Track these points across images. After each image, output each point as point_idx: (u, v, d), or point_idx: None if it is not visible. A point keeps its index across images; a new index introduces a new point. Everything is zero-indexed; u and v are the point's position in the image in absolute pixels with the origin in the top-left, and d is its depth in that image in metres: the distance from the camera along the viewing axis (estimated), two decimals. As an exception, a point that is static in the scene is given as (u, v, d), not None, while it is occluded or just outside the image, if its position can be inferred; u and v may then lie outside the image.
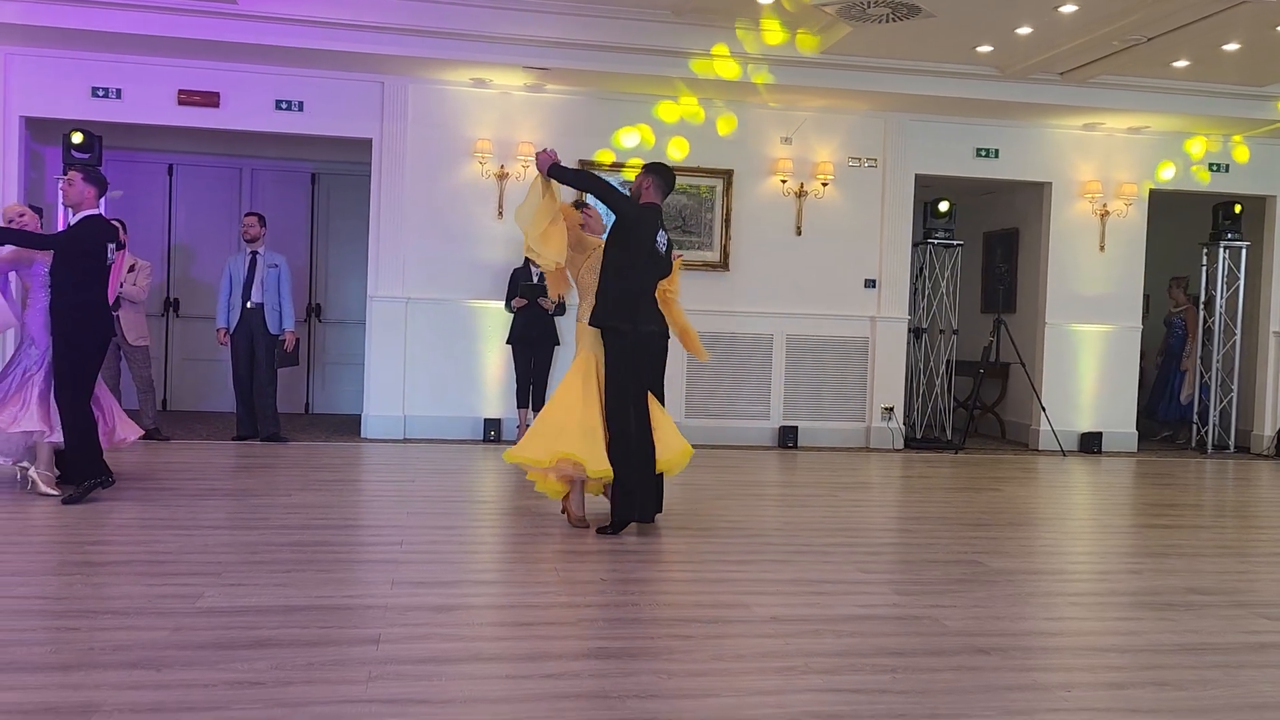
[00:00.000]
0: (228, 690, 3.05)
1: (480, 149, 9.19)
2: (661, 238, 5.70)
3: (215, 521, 5.49)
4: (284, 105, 9.01)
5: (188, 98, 8.89)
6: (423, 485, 7.02)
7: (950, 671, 3.44)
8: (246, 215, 8.95)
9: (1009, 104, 9.49)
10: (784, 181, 9.75)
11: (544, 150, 5.72)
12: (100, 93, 8.74)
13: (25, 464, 6.09)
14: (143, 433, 6.85)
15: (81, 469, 5.90)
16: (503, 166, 9.29)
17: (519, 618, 3.94)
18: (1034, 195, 10.59)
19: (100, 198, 6.12)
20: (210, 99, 8.93)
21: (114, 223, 6.70)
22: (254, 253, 8.74)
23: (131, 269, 8.48)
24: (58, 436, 5.94)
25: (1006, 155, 10.19)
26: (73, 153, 8.55)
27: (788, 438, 9.69)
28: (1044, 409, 10.15)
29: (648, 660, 3.43)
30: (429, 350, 9.26)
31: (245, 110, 8.99)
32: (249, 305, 8.66)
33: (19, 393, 5.99)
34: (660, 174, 5.74)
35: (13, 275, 6.29)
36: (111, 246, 6.08)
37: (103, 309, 6.08)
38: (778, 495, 7.45)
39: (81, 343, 5.92)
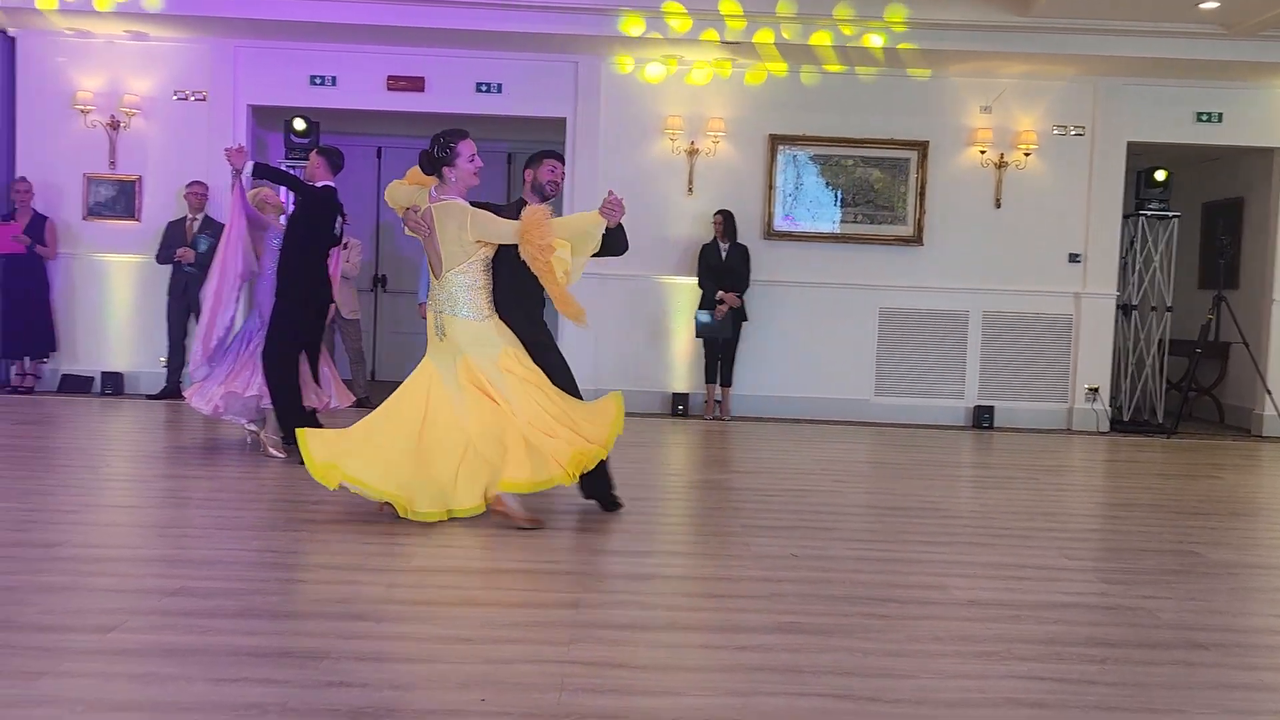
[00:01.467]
0: (439, 645, 3.22)
1: (671, 126, 9.26)
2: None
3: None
4: (484, 88, 9.33)
5: (396, 83, 9.34)
6: (613, 457, 7.15)
7: (1165, 666, 3.27)
8: (445, 195, 9.33)
9: (1235, 64, 8.81)
10: (983, 152, 9.38)
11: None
12: (318, 80, 9.28)
13: (254, 427, 6.59)
14: (355, 399, 7.29)
15: (287, 428, 6.29)
16: (693, 143, 9.33)
17: (712, 589, 3.99)
18: (1261, 162, 9.81)
19: (334, 172, 6.46)
20: (416, 84, 9.34)
21: None
22: (453, 230, 9.10)
23: (345, 246, 8.97)
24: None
25: (1231, 119, 9.46)
26: (293, 138, 9.13)
27: (983, 418, 9.37)
28: (1269, 392, 9.42)
29: (842, 637, 3.41)
30: (619, 326, 9.43)
31: (448, 93, 9.36)
32: (450, 281, 9.03)
33: (252, 357, 6.48)
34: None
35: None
36: (340, 220, 6.45)
37: (323, 277, 6.41)
38: (973, 477, 7.23)
39: (300, 307, 6.29)
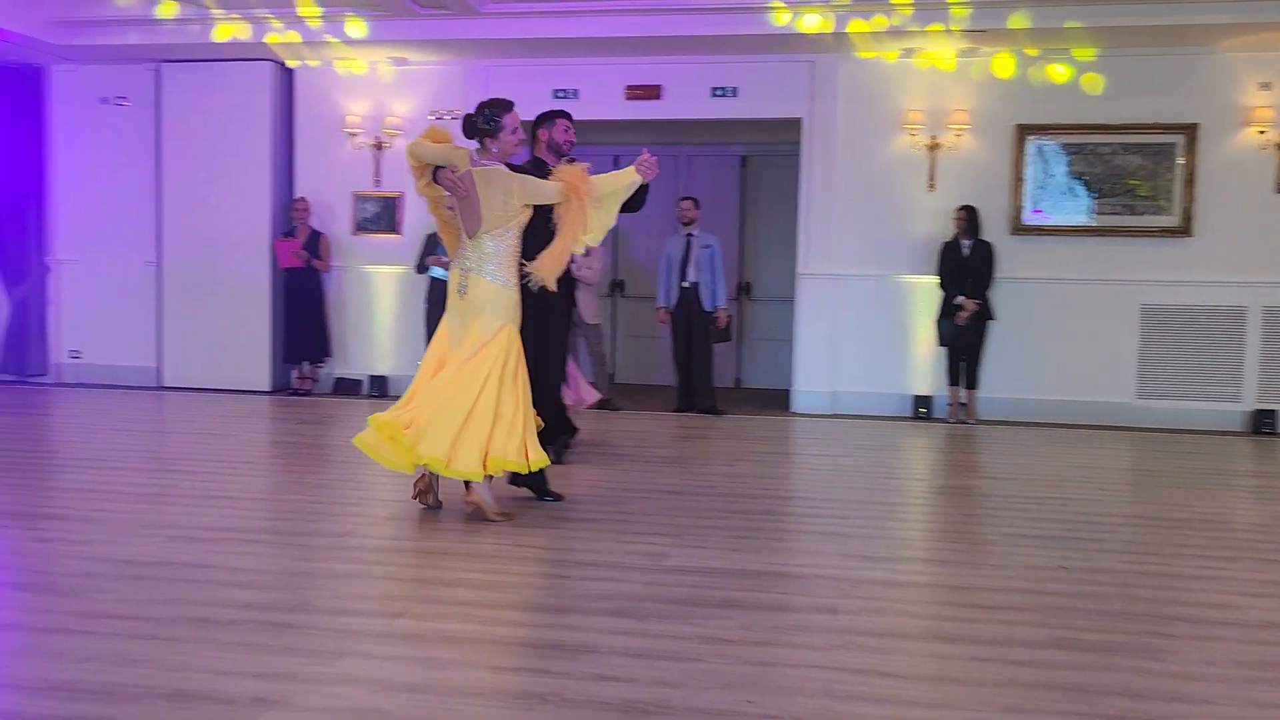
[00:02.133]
0: (702, 644, 3.26)
1: (911, 121, 9.01)
2: None
3: (668, 486, 5.88)
4: (719, 92, 9.39)
5: (633, 92, 9.55)
6: (856, 460, 7.05)
7: None
8: (682, 200, 9.47)
9: None
10: (1261, 133, 8.59)
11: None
12: (560, 94, 9.62)
13: None
14: (599, 398, 7.47)
15: (551, 428, 6.51)
16: (934, 137, 9.03)
17: (975, 599, 3.84)
18: None
19: None
20: (653, 92, 9.52)
21: None
22: (689, 235, 9.23)
23: (586, 253, 9.27)
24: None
25: None
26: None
27: (1264, 423, 8.57)
28: None
29: (1128, 656, 3.20)
30: (858, 326, 9.26)
31: (684, 100, 9.49)
32: (685, 285, 9.16)
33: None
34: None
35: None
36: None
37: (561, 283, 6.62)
38: (1256, 487, 6.62)
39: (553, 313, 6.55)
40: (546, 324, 5.41)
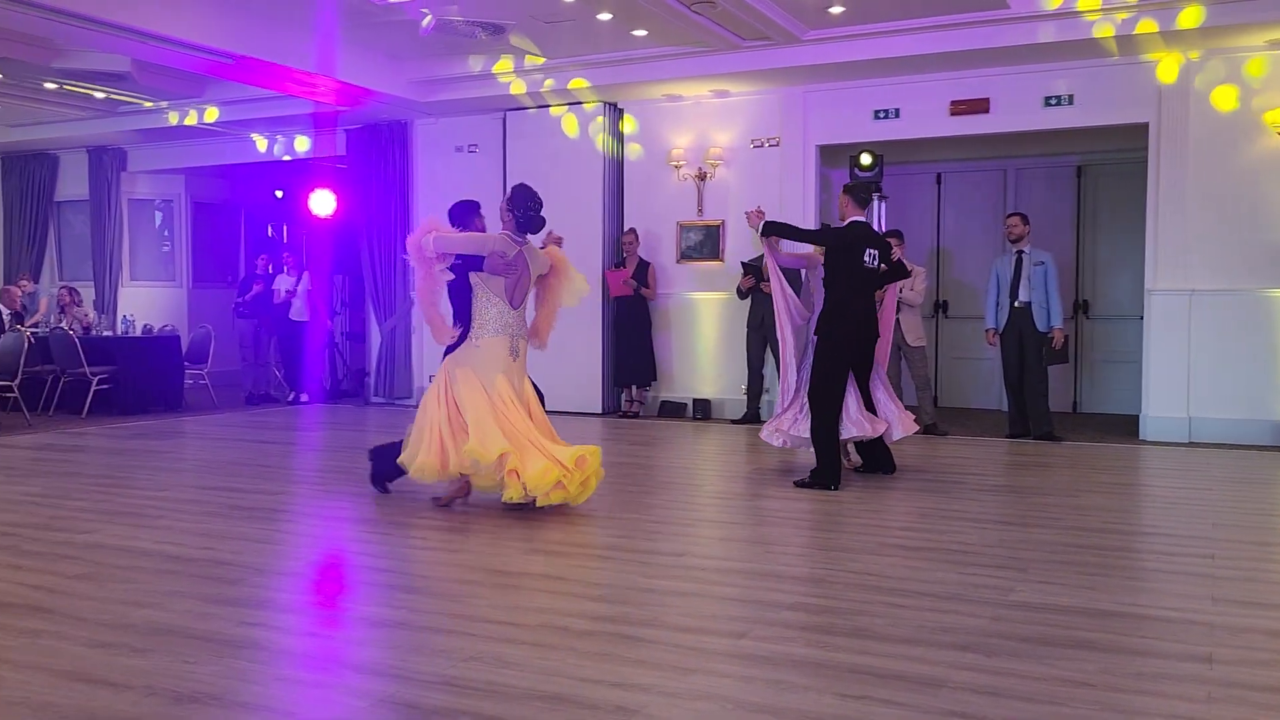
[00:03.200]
0: (1058, 686, 3.11)
1: (1276, 122, 8.13)
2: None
3: (1006, 517, 5.64)
4: (1053, 101, 8.93)
5: (958, 107, 9.29)
6: (1221, 495, 6.43)
7: None
8: (1009, 216, 9.06)
9: None
10: None
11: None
12: (881, 114, 9.54)
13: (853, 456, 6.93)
14: (918, 428, 7.20)
15: (820, 467, 6.40)
16: (1308, 135, 8.11)
17: (1382, 658, 3.39)
18: None
19: (861, 207, 6.56)
20: (980, 105, 9.21)
21: (890, 235, 7.67)
22: (1019, 252, 8.81)
23: (909, 274, 9.10)
24: (849, 432, 6.56)
25: None
26: (858, 172, 9.47)
27: None
28: None
29: None
30: (1216, 346, 8.45)
31: (1014, 111, 9.11)
32: (1016, 304, 8.74)
33: (799, 397, 6.72)
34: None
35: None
36: (869, 252, 6.47)
37: (861, 312, 6.48)
38: None
39: (838, 344, 6.42)
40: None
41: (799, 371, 6.80)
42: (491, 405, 5.55)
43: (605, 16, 8.50)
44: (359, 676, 3.18)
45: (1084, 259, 10.70)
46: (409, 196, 11.58)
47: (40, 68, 9.96)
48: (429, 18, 8.52)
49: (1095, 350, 10.69)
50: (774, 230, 6.70)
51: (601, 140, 10.55)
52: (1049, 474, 7.10)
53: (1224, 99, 8.39)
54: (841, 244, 6.53)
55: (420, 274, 5.76)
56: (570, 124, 10.65)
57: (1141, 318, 8.94)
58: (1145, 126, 8.69)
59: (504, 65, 10.02)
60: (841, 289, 6.47)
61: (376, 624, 3.72)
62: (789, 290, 6.89)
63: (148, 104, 11.69)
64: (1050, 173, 10.83)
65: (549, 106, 10.66)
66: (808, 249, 7.24)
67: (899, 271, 6.91)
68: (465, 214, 6.06)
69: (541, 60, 9.88)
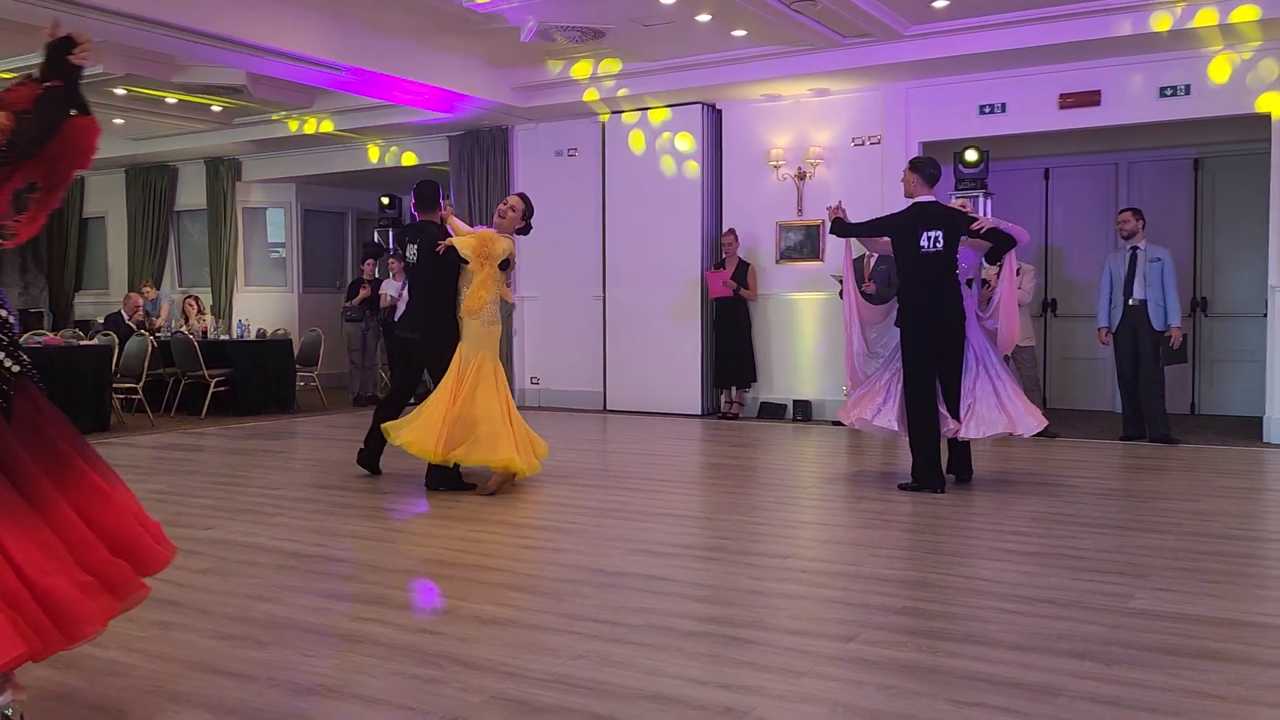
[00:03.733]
0: (1185, 698, 3.00)
1: None
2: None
3: (1123, 522, 5.46)
4: (1168, 92, 8.62)
5: (1067, 100, 9.03)
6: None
7: None
8: (1121, 212, 8.76)
9: None
10: None
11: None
12: (986, 109, 9.33)
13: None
14: (1045, 424, 6.86)
15: (918, 468, 6.20)
16: None
17: None
18: None
19: (929, 185, 6.25)
20: (1090, 98, 8.94)
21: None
22: (1133, 248, 8.52)
23: (1017, 272, 8.86)
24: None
25: None
26: (963, 169, 9.28)
27: None
28: None
29: None
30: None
31: (1126, 104, 8.82)
32: (1131, 303, 8.46)
33: (888, 385, 6.41)
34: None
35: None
36: (933, 234, 6.12)
37: (921, 300, 6.15)
38: None
39: (906, 336, 6.19)
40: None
41: (887, 365, 6.53)
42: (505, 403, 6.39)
43: (704, 18, 8.50)
44: (470, 673, 3.24)
45: (1202, 255, 10.29)
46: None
47: (162, 83, 10.40)
48: (530, 24, 8.63)
49: (1214, 349, 10.28)
50: (842, 231, 6.58)
51: (699, 141, 10.55)
52: (1166, 478, 6.86)
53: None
54: (895, 229, 6.32)
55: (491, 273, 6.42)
56: (668, 126, 10.67)
57: (1264, 315, 8.56)
58: (1267, 117, 8.32)
59: (603, 69, 10.10)
60: (903, 276, 6.32)
61: (485, 621, 3.78)
62: (855, 289, 6.87)
63: (276, 116, 12.07)
64: (1165, 166, 10.45)
65: (647, 109, 10.70)
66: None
67: (996, 240, 6.28)
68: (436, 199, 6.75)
69: (639, 63, 9.93)
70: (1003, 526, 5.40)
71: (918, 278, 6.21)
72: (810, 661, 3.32)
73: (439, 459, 6.16)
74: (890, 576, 4.39)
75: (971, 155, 9.17)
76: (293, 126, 12.20)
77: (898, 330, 6.39)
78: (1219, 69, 8.42)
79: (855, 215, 9.67)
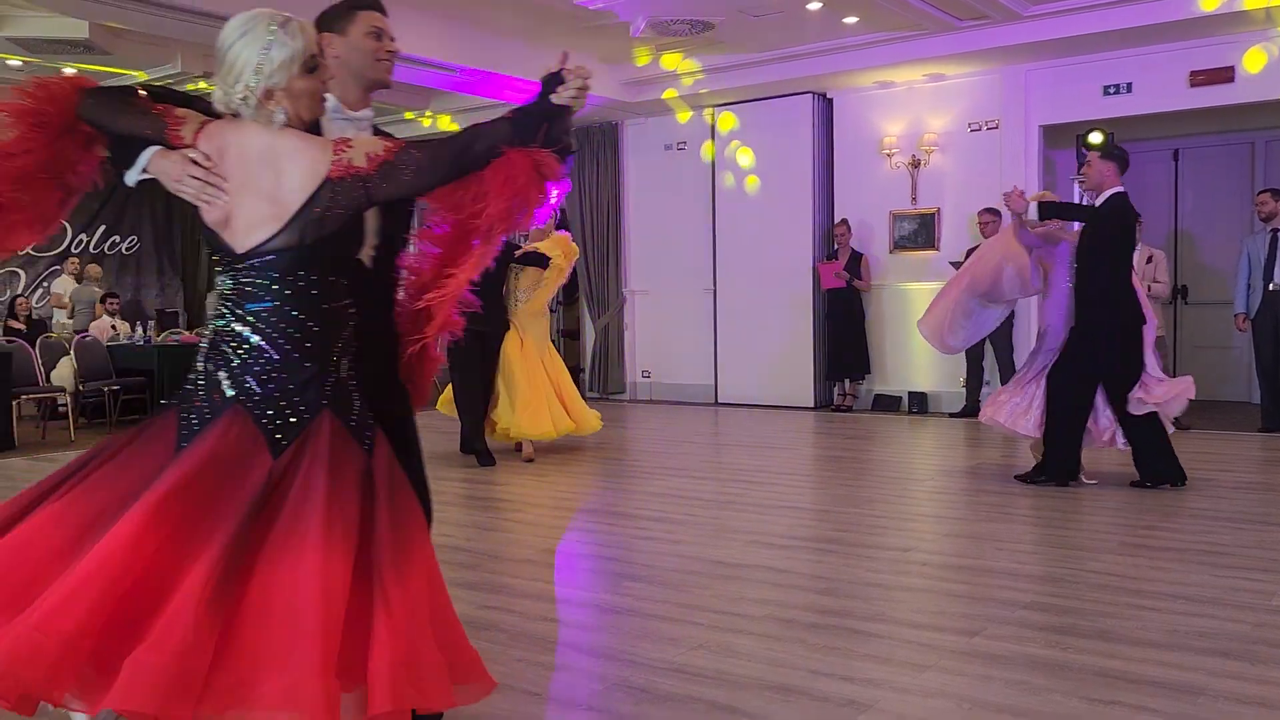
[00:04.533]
0: (1338, 700, 2.85)
1: None
2: None
3: (1265, 516, 5.21)
4: (1310, 65, 8.17)
5: (1198, 78, 8.64)
6: None
7: None
8: (1260, 193, 8.37)
9: None
10: None
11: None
12: (1111, 90, 9.00)
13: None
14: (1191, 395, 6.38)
15: (1051, 460, 5.94)
16: None
17: None
18: None
19: (1121, 174, 5.94)
20: (1223, 75, 8.55)
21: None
22: (1274, 230, 8.13)
23: (1149, 260, 8.53)
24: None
25: None
26: (1085, 152, 8.95)
27: None
28: None
29: None
30: None
31: (1262, 80, 8.40)
32: (1271, 287, 8.07)
33: (1027, 388, 6.07)
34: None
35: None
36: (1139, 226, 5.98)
37: (1128, 295, 5.87)
38: None
39: (1100, 330, 5.80)
40: None
41: (1034, 369, 6.16)
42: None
43: (814, 6, 8.40)
44: (593, 660, 3.29)
45: (1349, 236, 9.72)
46: (621, 196, 11.82)
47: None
48: (640, 19, 8.67)
49: (1363, 337, 9.69)
50: (1053, 212, 6.01)
51: (809, 131, 10.43)
52: (1311, 471, 6.52)
53: None
54: (1122, 222, 5.90)
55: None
56: (777, 116, 10.58)
57: None
58: None
59: (711, 61, 10.07)
60: (1108, 275, 5.83)
61: (606, 610, 3.83)
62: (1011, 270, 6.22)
63: (409, 114, 12.36)
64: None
65: (755, 100, 10.63)
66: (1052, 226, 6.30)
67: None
68: None
69: (748, 54, 9.87)
70: (1134, 521, 5.21)
71: (1123, 277, 5.89)
72: (934, 655, 3.26)
73: (555, 434, 7.33)
74: (1015, 570, 4.28)
75: (1096, 137, 8.83)
76: (425, 123, 12.45)
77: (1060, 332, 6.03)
78: (1366, 39, 7.96)
79: (971, 203, 9.54)
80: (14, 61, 9.83)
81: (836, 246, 10.23)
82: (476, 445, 7.19)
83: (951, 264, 9.35)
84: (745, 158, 10.79)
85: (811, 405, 10.50)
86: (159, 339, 10.29)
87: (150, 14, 7.35)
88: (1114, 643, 3.36)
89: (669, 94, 10.62)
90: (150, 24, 7.70)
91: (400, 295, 2.52)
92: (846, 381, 10.32)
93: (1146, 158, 10.49)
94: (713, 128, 11.05)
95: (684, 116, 11.19)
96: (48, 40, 8.87)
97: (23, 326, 11.33)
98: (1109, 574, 4.19)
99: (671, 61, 10.22)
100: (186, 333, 11.08)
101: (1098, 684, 3.00)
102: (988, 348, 9.36)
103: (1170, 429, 5.99)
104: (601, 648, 3.41)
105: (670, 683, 3.07)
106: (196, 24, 7.59)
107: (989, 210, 9.31)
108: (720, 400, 11.10)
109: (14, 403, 8.74)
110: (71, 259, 12.65)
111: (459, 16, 8.80)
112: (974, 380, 9.49)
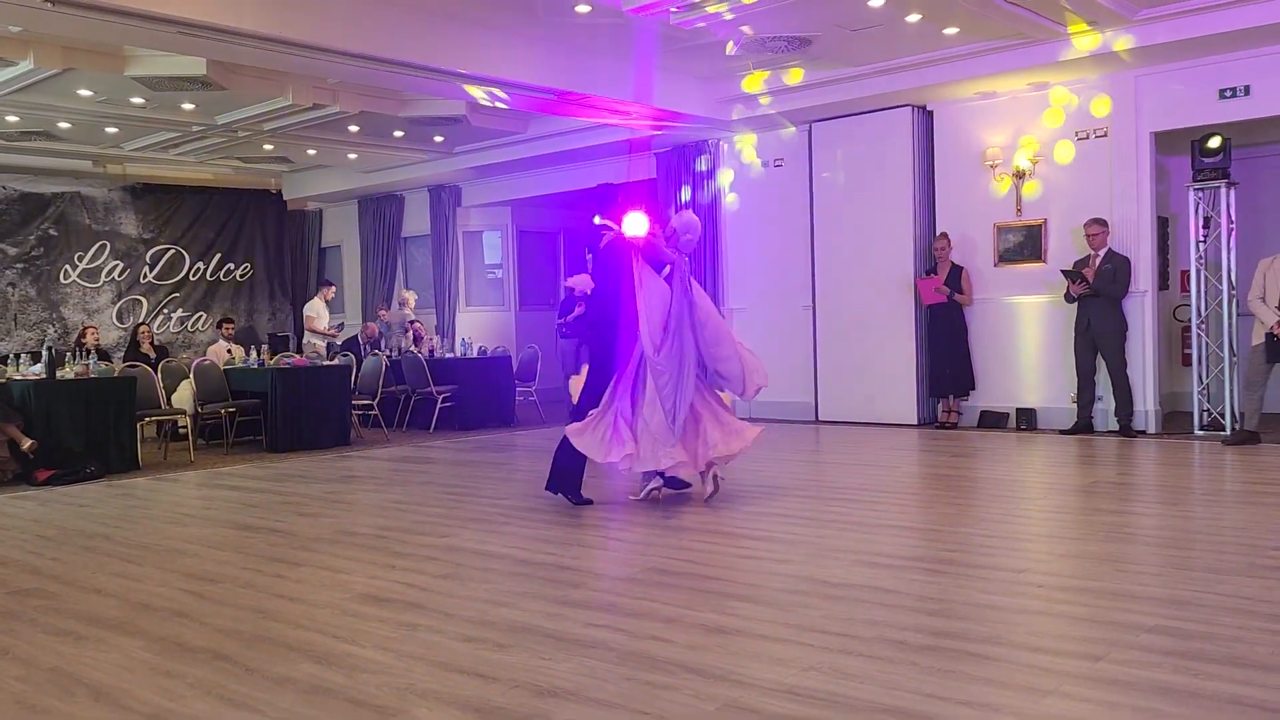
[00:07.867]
0: None
1: None
2: None
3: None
4: None
5: (1324, 78, 8.27)
6: None
7: None
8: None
9: None
10: None
11: None
12: (1228, 93, 8.67)
13: None
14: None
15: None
16: None
17: None
18: None
19: None
20: (1351, 73, 8.16)
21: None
22: None
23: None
24: None
25: None
26: (1201, 158, 8.66)
27: None
28: None
29: None
30: None
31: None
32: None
33: None
34: None
35: None
36: None
37: None
38: None
39: None
40: None
41: None
42: None
43: (914, 18, 8.30)
44: (701, 680, 3.27)
45: None
46: (718, 214, 11.82)
47: (390, 118, 11.09)
48: (737, 37, 8.68)
49: None
50: None
51: (910, 144, 10.29)
52: None
53: None
54: None
55: None
56: (877, 130, 10.47)
57: None
58: None
59: (809, 76, 10.02)
60: None
61: (713, 630, 3.81)
62: None
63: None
64: None
65: (854, 115, 10.53)
66: None
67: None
68: None
69: (846, 68, 9.80)
70: (1263, 542, 4.97)
71: None
72: (1055, 680, 3.16)
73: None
74: (1138, 593, 4.12)
75: (1213, 142, 8.54)
76: (503, 152, 12.67)
77: None
78: None
79: (1080, 214, 9.28)
80: (137, 99, 10.33)
81: (936, 260, 10.05)
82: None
83: (1062, 271, 9.13)
84: (844, 173, 10.70)
85: (914, 422, 10.31)
86: (271, 362, 10.64)
87: (262, 49, 7.64)
88: (1248, 669, 3.21)
89: (765, 109, 10.60)
90: (262, 59, 8.01)
91: None
92: (950, 398, 10.11)
93: (1267, 163, 10.09)
94: (810, 143, 10.98)
95: (788, 133, 11.14)
96: (169, 78, 9.29)
97: (152, 354, 11.84)
98: (1239, 596, 4.01)
99: (765, 79, 10.20)
100: (297, 356, 11.43)
101: (1232, 712, 2.87)
102: (1100, 362, 9.09)
103: None
104: (710, 668, 3.39)
105: (782, 704, 3.04)
106: (307, 58, 7.87)
107: (1096, 221, 9.08)
108: (821, 418, 10.97)
109: (139, 425, 9.12)
110: (329, 286, 13.49)
111: (556, 40, 8.94)
112: (1086, 395, 9.20)
